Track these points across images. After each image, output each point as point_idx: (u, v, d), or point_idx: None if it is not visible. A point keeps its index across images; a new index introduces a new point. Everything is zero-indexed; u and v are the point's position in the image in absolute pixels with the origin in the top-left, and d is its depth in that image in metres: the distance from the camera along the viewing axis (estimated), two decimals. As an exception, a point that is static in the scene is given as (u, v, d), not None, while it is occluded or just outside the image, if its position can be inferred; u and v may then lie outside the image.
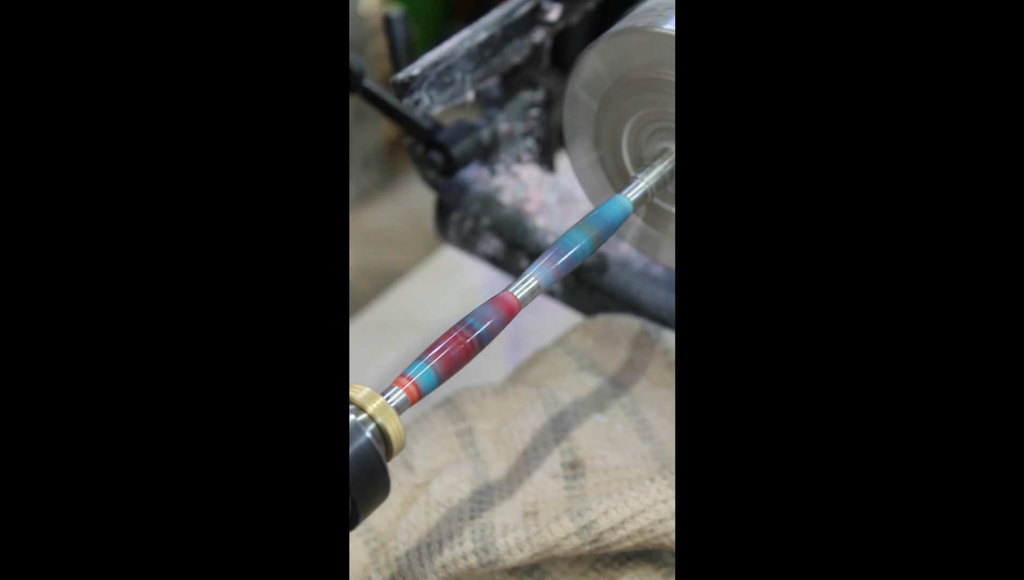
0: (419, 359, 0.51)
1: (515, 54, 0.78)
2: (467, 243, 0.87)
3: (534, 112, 0.86)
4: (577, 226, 0.58)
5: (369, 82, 0.75)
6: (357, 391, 0.48)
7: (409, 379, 0.50)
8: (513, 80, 0.83)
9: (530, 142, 0.87)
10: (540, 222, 0.85)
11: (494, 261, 0.87)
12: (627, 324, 0.78)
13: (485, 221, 0.86)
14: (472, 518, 0.66)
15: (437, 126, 0.81)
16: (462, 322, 0.53)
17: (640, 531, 0.62)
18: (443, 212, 0.88)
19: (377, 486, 0.47)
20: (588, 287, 0.84)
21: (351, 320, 1.16)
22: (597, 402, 0.74)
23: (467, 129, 0.83)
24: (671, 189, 0.64)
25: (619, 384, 0.76)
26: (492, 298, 0.54)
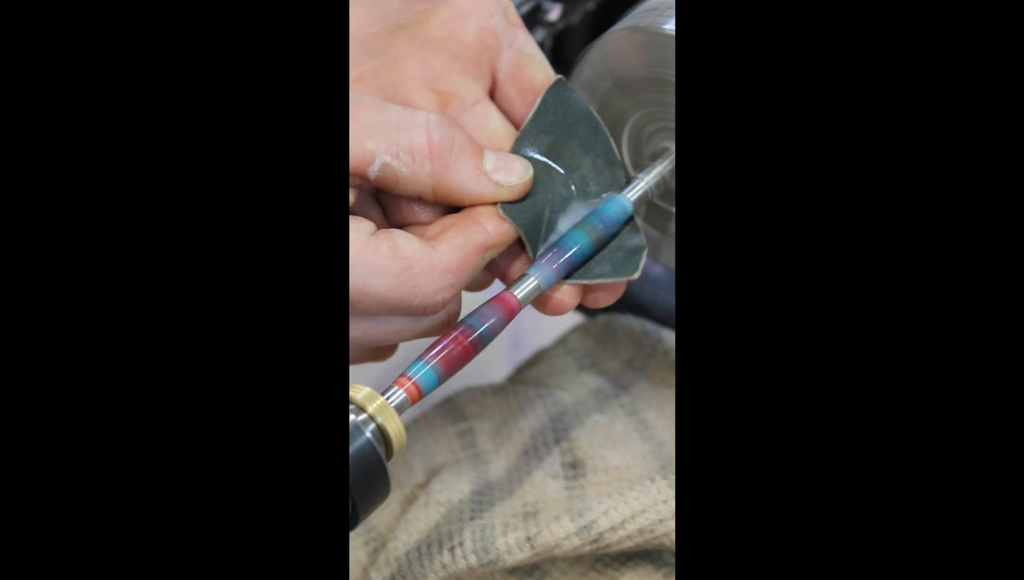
0: (419, 359, 0.51)
1: (515, 54, 0.78)
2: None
3: (534, 112, 0.85)
4: (577, 226, 0.58)
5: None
6: (357, 391, 0.48)
7: (409, 379, 0.50)
8: (513, 80, 0.82)
9: (530, 142, 0.87)
10: (540, 222, 0.85)
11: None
12: (627, 324, 0.78)
13: (485, 221, 0.86)
14: (472, 518, 0.66)
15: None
16: (462, 322, 0.53)
17: (640, 531, 0.62)
18: (443, 212, 0.87)
19: (377, 486, 0.47)
20: (588, 287, 0.84)
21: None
22: (597, 402, 0.74)
23: (467, 129, 0.82)
24: (671, 189, 0.64)
25: (619, 384, 0.76)
26: (492, 298, 0.54)
